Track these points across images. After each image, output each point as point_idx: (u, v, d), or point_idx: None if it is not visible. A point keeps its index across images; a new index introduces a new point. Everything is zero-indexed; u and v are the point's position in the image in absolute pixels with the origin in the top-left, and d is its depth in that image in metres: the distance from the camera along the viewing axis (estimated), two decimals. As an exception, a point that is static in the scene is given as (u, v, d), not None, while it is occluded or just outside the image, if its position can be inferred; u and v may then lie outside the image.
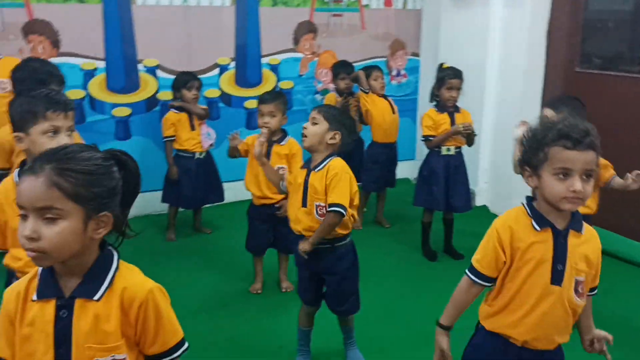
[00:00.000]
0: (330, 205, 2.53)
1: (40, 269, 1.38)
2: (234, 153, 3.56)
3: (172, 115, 4.37)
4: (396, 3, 5.75)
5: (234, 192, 4.77)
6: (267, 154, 3.40)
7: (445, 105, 3.92)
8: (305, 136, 2.60)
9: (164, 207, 4.61)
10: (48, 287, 1.36)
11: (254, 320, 3.32)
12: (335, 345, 2.97)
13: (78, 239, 1.32)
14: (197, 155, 4.40)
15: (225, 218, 4.83)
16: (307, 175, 2.61)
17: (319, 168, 2.58)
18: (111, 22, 4.60)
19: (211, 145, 4.47)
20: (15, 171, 1.99)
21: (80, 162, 1.32)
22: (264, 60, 5.27)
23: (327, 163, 2.58)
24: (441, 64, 3.99)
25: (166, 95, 4.78)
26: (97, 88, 4.66)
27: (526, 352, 1.82)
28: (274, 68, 5.33)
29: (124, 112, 4.78)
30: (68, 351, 1.34)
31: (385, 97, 4.72)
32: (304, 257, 2.62)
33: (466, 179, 4.06)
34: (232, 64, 5.16)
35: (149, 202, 4.58)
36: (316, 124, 2.60)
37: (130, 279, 1.40)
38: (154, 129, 4.79)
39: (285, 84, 5.39)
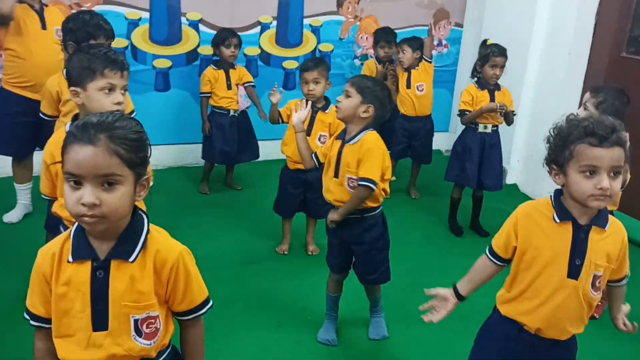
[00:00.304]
0: (361, 179, 2.56)
1: (73, 231, 1.44)
2: (275, 117, 3.56)
3: (210, 71, 4.40)
4: (444, -29, 5.64)
5: (268, 150, 4.84)
6: (311, 122, 3.45)
7: (487, 83, 3.89)
8: (339, 109, 2.63)
9: (199, 160, 4.70)
10: (83, 249, 1.42)
11: (279, 280, 3.41)
12: (362, 313, 3.04)
13: (130, 202, 1.40)
14: (232, 113, 4.45)
15: (257, 176, 4.92)
16: (342, 147, 2.64)
17: (353, 141, 2.60)
18: (158, -27, 4.62)
19: (247, 107, 4.51)
20: (68, 124, 2.06)
21: (128, 130, 1.38)
22: (306, 22, 5.25)
23: (362, 137, 2.59)
24: (485, 40, 3.93)
25: (207, 50, 4.81)
26: (140, 38, 4.71)
27: (538, 339, 1.86)
28: (315, 30, 5.31)
29: (165, 63, 4.83)
30: (105, 309, 1.42)
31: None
32: (332, 226, 2.69)
33: (500, 158, 4.05)
34: (274, 23, 5.15)
35: (185, 154, 4.68)
36: (349, 96, 2.60)
37: (162, 241, 1.48)
38: (192, 83, 4.85)
39: (325, 47, 5.38)
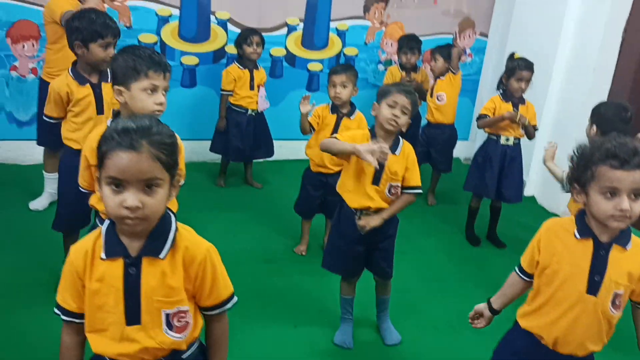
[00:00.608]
0: (413, 187, 2.71)
1: (104, 230, 1.50)
2: (306, 127, 3.57)
3: (235, 69, 4.45)
4: (472, -19, 5.66)
5: (289, 150, 4.89)
6: (336, 127, 3.50)
7: (512, 95, 3.91)
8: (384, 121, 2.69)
9: (220, 156, 4.77)
10: (115, 246, 1.48)
11: (296, 280, 3.46)
12: (372, 315, 3.09)
13: (166, 203, 1.46)
14: (249, 112, 4.51)
15: (277, 174, 4.97)
16: None
17: (397, 152, 2.65)
18: (190, -29, 4.70)
19: (266, 108, 4.59)
20: (109, 120, 2.13)
21: (165, 135, 1.44)
22: (332, 25, 5.30)
23: (402, 146, 2.68)
24: (512, 54, 3.96)
25: (233, 48, 4.87)
26: (169, 35, 4.78)
27: (556, 355, 1.89)
28: (340, 33, 5.35)
29: (192, 60, 4.90)
30: (137, 304, 1.48)
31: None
32: (361, 232, 2.71)
33: (521, 170, 4.08)
34: (301, 25, 5.20)
35: (206, 150, 4.73)
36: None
37: (190, 239, 1.53)
38: (218, 80, 4.88)
39: (349, 51, 5.42)
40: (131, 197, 1.38)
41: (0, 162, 4.50)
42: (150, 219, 1.43)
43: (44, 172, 3.92)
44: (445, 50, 4.67)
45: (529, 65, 3.82)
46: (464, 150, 5.82)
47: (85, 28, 2.75)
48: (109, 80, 2.86)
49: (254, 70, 4.48)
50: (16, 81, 4.41)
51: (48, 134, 3.70)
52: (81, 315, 1.53)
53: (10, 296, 2.98)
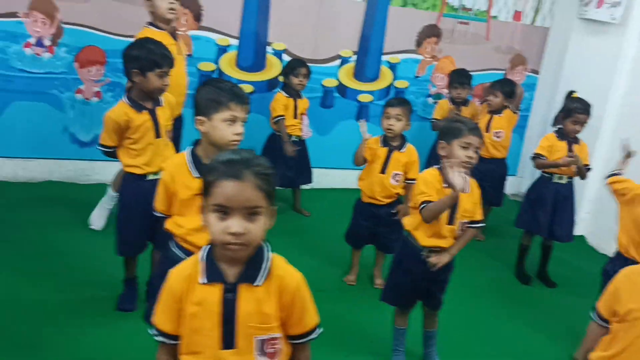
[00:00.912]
0: (478, 222, 2.78)
1: (204, 256, 1.57)
2: (362, 156, 3.62)
3: (282, 97, 4.58)
4: (525, 18, 5.70)
5: (334, 178, 4.95)
6: (387, 159, 3.56)
7: (567, 135, 3.91)
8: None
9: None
10: (214, 272, 1.55)
11: (347, 310, 3.48)
12: (419, 349, 3.09)
13: (265, 231, 1.53)
14: (293, 138, 4.60)
15: (322, 202, 5.02)
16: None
17: (468, 189, 2.67)
18: (251, 4, 4.84)
19: (309, 136, 4.71)
20: (188, 149, 2.22)
21: (265, 167, 1.52)
22: (384, 58, 5.38)
23: (469, 182, 2.70)
24: (571, 92, 3.98)
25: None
26: (227, 63, 4.93)
27: None
28: (392, 66, 5.43)
29: (247, 89, 5.03)
30: (233, 329, 1.54)
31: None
32: (431, 269, 2.75)
33: (573, 209, 4.05)
34: (353, 57, 5.30)
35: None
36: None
37: (283, 267, 1.60)
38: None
39: (400, 83, 5.49)
40: (236, 224, 1.46)
41: (60, 181, 4.66)
42: (252, 245, 1.50)
43: (110, 190, 3.96)
44: (506, 87, 4.67)
45: (586, 109, 3.82)
46: (512, 185, 5.80)
47: (144, 57, 2.85)
48: (161, 104, 2.99)
49: (298, 100, 4.61)
50: (81, 104, 4.59)
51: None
52: (175, 337, 1.59)
53: (74, 313, 3.08)
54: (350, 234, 3.85)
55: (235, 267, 1.55)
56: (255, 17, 4.90)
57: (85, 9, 4.43)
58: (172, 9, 3.59)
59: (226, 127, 2.17)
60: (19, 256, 3.51)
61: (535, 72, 5.89)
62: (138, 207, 2.96)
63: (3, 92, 4.38)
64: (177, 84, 3.57)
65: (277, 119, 4.59)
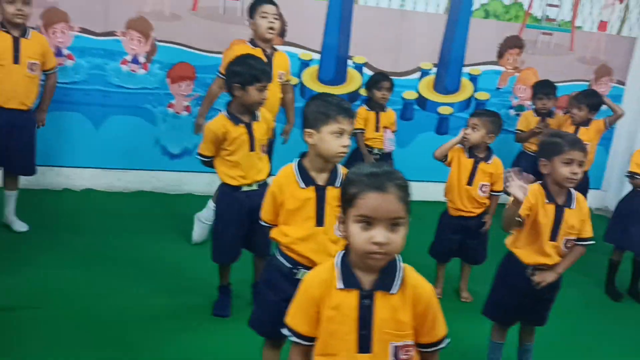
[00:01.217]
0: (587, 239, 2.70)
1: (340, 262, 1.63)
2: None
3: (363, 111, 4.64)
4: (611, 28, 5.56)
5: (421, 191, 4.89)
6: (473, 171, 3.55)
7: (661, 151, 3.80)
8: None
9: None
10: (351, 279, 1.61)
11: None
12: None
13: (405, 241, 1.58)
14: (375, 151, 4.65)
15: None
16: (558, 211, 2.65)
17: (573, 205, 2.65)
18: (333, 19, 4.95)
19: (391, 150, 4.71)
20: (295, 160, 2.31)
21: (402, 179, 1.58)
22: (465, 70, 5.37)
23: (576, 199, 2.68)
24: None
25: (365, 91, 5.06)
26: (309, 77, 5.05)
27: None
28: (473, 78, 5.41)
29: (329, 102, 5.12)
30: (369, 334, 1.60)
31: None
32: (535, 287, 2.71)
33: (666, 225, 3.91)
34: (434, 70, 5.31)
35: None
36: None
37: (416, 277, 1.65)
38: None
39: (481, 95, 5.46)
40: (380, 234, 1.51)
41: (150, 191, 4.88)
42: (392, 254, 1.56)
43: (210, 202, 4.01)
44: (592, 101, 4.58)
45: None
46: (595, 199, 5.64)
47: (245, 72, 2.98)
48: (258, 119, 3.10)
49: (380, 113, 4.65)
50: (171, 117, 4.81)
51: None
52: (309, 339, 1.66)
53: (173, 318, 3.20)
54: (435, 247, 3.83)
55: (370, 275, 1.60)
56: (337, 31, 5.01)
57: (177, 27, 4.65)
58: (271, 28, 3.81)
59: (334, 139, 2.24)
60: (112, 261, 3.69)
61: (622, 83, 5.73)
62: (233, 217, 3.11)
63: (101, 107, 4.65)
64: (269, 100, 3.70)
65: (355, 131, 4.65)
